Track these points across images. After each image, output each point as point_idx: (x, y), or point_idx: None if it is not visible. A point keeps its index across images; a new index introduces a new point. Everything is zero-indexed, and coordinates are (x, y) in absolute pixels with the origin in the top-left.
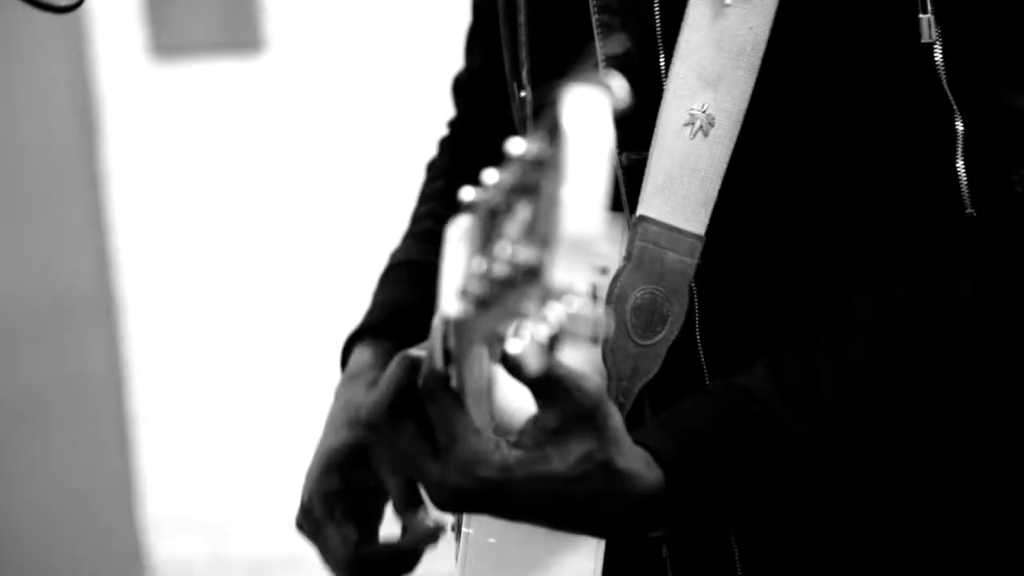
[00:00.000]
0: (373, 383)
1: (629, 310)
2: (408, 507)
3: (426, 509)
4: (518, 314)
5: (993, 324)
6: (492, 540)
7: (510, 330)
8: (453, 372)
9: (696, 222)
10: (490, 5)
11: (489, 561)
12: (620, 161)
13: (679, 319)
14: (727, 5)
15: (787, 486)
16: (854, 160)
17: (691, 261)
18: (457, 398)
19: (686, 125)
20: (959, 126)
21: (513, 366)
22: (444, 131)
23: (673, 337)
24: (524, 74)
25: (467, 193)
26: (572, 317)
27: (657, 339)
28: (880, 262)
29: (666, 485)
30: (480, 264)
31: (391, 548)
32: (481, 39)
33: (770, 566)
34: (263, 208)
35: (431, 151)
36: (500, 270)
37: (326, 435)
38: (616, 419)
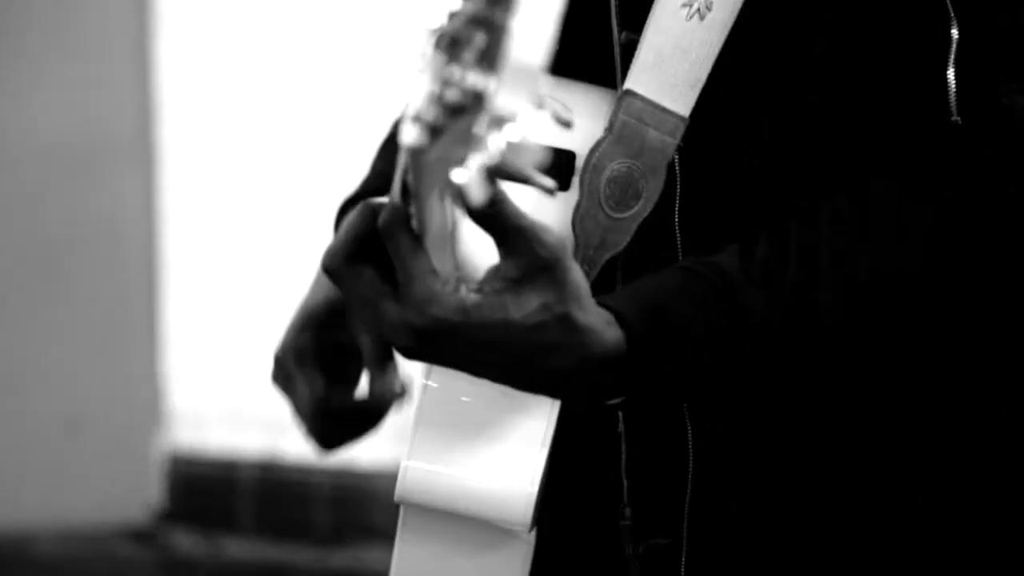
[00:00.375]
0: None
1: (604, 181)
2: (377, 366)
3: (396, 370)
4: (466, 142)
5: (957, 221)
6: (449, 395)
7: (458, 159)
8: (414, 211)
9: (682, 103)
10: None
11: (443, 413)
12: (619, 39)
13: (653, 196)
14: None
15: (746, 362)
16: (845, 57)
17: (672, 141)
18: (416, 237)
19: (684, 6)
20: (954, 33)
21: (458, 196)
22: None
23: (645, 214)
24: None
25: (432, 22)
26: (512, 146)
27: (629, 213)
28: (863, 160)
29: (626, 346)
30: (433, 89)
31: (355, 403)
32: None
33: (723, 460)
34: (305, 68)
35: None
36: (451, 95)
37: (309, 293)
38: (577, 275)
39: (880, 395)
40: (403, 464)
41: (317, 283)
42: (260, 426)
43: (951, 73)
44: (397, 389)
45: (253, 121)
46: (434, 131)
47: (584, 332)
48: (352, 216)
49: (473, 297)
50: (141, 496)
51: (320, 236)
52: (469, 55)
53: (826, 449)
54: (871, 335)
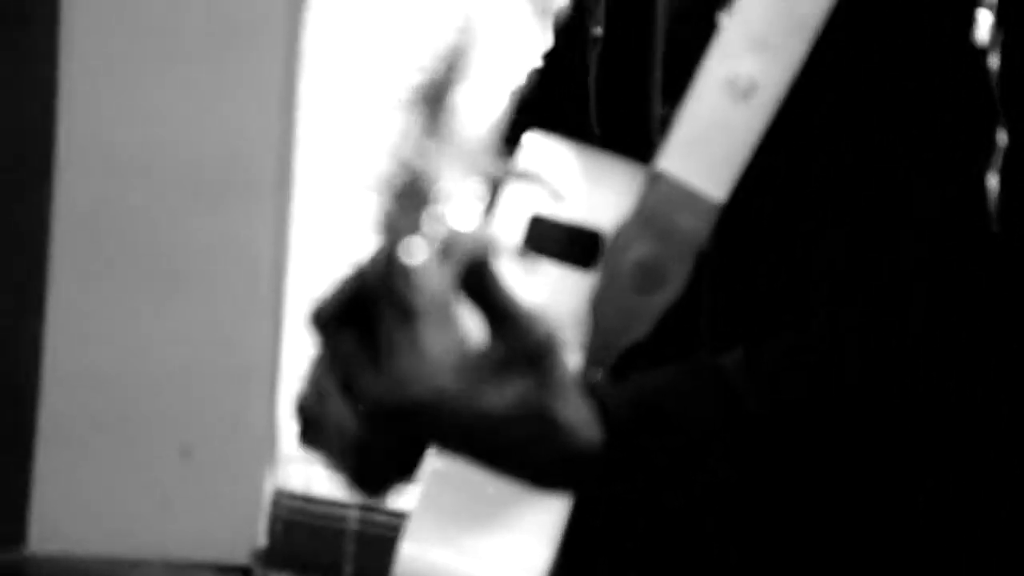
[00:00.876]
0: None
1: (626, 264)
2: None
3: None
4: (412, 214)
5: (986, 333)
6: (456, 472)
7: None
8: (405, 280)
9: (715, 187)
10: None
11: (448, 492)
12: (659, 112)
13: (680, 283)
14: None
15: (736, 460)
16: (887, 152)
17: (703, 226)
18: (404, 307)
19: (725, 86)
20: (1002, 138)
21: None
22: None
23: (670, 300)
24: (599, 10)
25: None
26: (451, 229)
27: (654, 299)
28: (897, 262)
29: (604, 448)
30: (393, 152)
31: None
32: None
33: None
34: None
35: None
36: (399, 163)
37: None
38: (566, 368)
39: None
40: (401, 547)
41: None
42: None
43: (993, 178)
44: None
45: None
46: (395, 199)
47: (561, 429)
48: (345, 273)
49: (451, 380)
50: (246, 534)
51: None
52: (415, 122)
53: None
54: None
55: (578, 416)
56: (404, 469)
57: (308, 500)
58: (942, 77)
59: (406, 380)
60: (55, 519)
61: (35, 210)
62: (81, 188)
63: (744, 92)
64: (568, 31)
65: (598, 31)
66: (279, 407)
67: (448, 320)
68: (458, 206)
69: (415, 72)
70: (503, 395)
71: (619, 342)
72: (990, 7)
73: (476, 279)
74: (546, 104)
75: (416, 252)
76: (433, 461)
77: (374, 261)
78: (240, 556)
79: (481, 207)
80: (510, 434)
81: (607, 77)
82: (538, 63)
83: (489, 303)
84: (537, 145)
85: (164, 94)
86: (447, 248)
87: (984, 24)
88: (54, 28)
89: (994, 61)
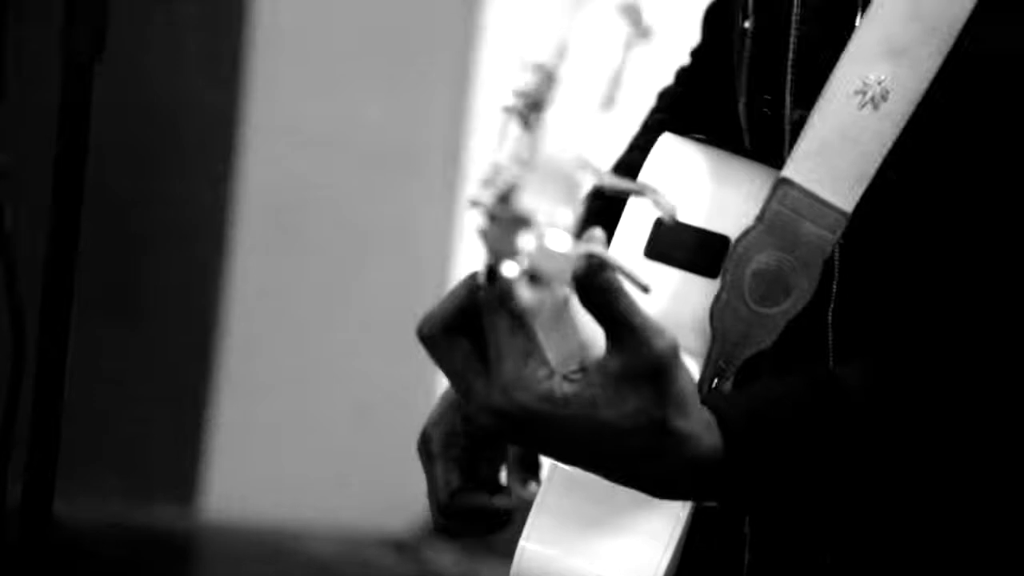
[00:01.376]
0: None
1: (749, 273)
2: (517, 470)
3: (537, 478)
4: (511, 234)
5: None
6: (576, 477)
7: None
8: (511, 290)
9: (844, 197)
10: None
11: (568, 496)
12: (790, 116)
13: (805, 294)
14: None
15: (850, 477)
16: (1008, 187)
17: (831, 236)
18: (514, 315)
19: (857, 93)
20: None
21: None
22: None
23: (795, 311)
24: (750, 4)
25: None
26: (540, 250)
27: (776, 310)
28: (1013, 292)
29: (723, 453)
30: (486, 173)
31: (484, 506)
32: None
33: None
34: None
35: None
36: (499, 182)
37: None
38: (684, 382)
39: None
40: (521, 544)
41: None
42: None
43: None
44: (527, 494)
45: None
46: (490, 217)
47: (680, 439)
48: (457, 284)
49: (565, 387)
50: (409, 506)
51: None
52: (507, 144)
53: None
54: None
55: (698, 424)
56: (486, 530)
57: None
58: None
59: (514, 386)
60: (229, 483)
61: (220, 183)
62: (264, 165)
63: (876, 100)
64: (718, 25)
65: (747, 24)
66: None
67: (565, 325)
68: (568, 219)
69: (510, 91)
70: (621, 405)
71: (741, 353)
72: None
73: (596, 290)
74: (693, 102)
75: (522, 263)
76: (553, 464)
77: (481, 273)
78: (402, 528)
79: (593, 219)
80: (630, 445)
81: (753, 74)
82: (687, 62)
83: (609, 314)
84: (669, 148)
85: (348, 79)
86: (565, 260)
87: None
88: (242, 8)
89: None
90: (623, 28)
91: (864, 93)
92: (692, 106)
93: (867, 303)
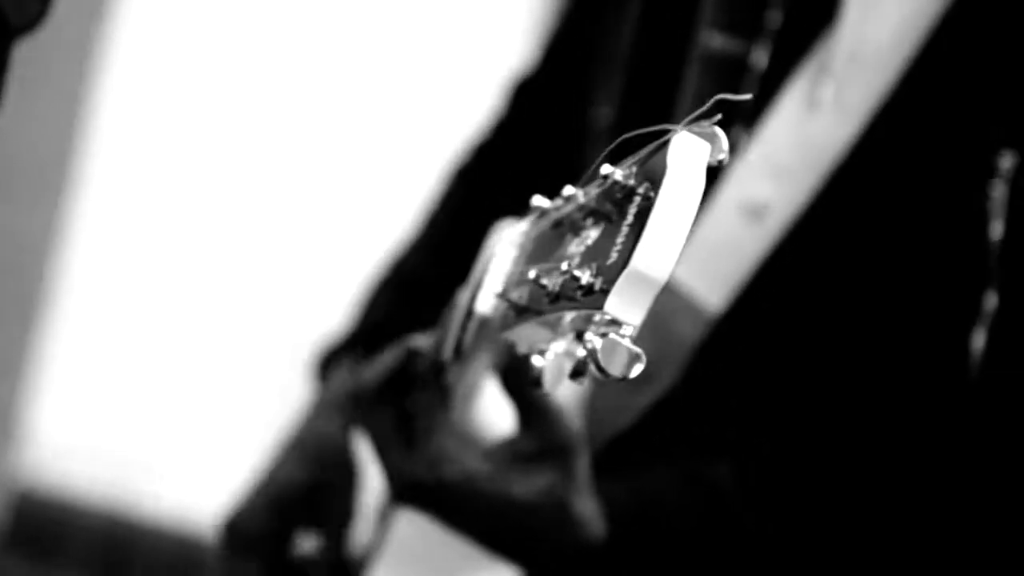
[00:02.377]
0: (347, 420)
1: None
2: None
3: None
4: (554, 329)
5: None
6: (423, 531)
7: (542, 343)
8: (454, 367)
9: (716, 299)
10: (589, 23)
11: (412, 548)
12: None
13: (666, 383)
14: (820, 109)
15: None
16: (880, 292)
17: (696, 333)
18: (446, 393)
19: (741, 206)
20: (991, 300)
21: (532, 378)
22: (485, 135)
23: (654, 399)
24: (610, 93)
25: (539, 200)
26: (609, 347)
27: (639, 396)
28: (876, 397)
29: (606, 542)
30: (530, 272)
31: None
32: (564, 50)
33: None
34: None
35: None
36: (551, 283)
37: (285, 459)
38: (585, 463)
39: None
40: None
41: (296, 459)
42: (117, 467)
43: (979, 337)
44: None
45: (180, 165)
46: (520, 309)
47: (576, 523)
48: (390, 353)
49: (481, 466)
50: None
51: (220, 285)
52: (577, 247)
53: None
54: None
55: (592, 511)
56: None
57: (52, 490)
58: (943, 235)
59: (440, 461)
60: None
61: None
62: None
63: (757, 214)
64: (544, 109)
65: (604, 118)
66: (26, 392)
67: (468, 401)
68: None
69: None
70: (530, 484)
71: (602, 433)
72: (1004, 178)
73: (512, 374)
74: (504, 185)
75: (456, 345)
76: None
77: (418, 350)
78: None
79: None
80: (532, 520)
81: None
82: (486, 135)
83: (523, 397)
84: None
85: None
86: (484, 343)
87: (993, 191)
88: None
89: (997, 228)
90: None
91: (747, 207)
92: (503, 189)
93: (721, 396)
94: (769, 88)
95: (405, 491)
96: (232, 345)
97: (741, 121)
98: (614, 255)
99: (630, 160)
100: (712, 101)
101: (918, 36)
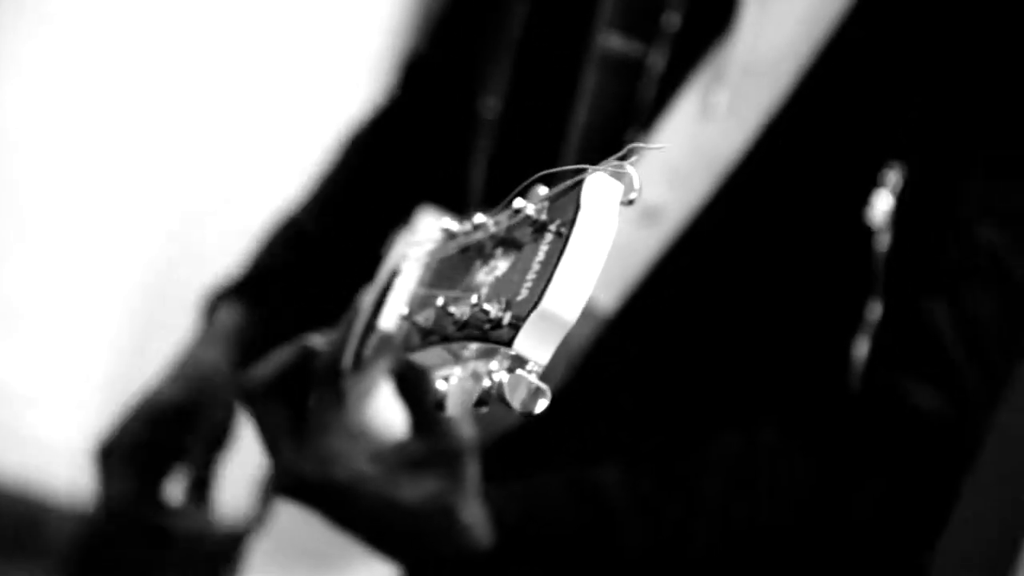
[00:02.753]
0: (228, 352)
1: None
2: (196, 494)
3: (207, 503)
4: (459, 356)
5: (832, 486)
6: (301, 522)
7: (445, 367)
8: (351, 375)
9: (609, 298)
10: (477, 9)
11: (290, 538)
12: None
13: (555, 383)
14: (714, 116)
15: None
16: (767, 298)
17: (586, 333)
18: (342, 396)
19: (634, 209)
20: (876, 311)
21: (436, 400)
22: (380, 102)
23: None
24: (497, 83)
25: (449, 223)
26: (514, 383)
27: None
28: (757, 401)
29: (492, 548)
30: (437, 297)
31: (161, 519)
32: (453, 33)
33: None
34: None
35: None
36: (459, 311)
37: (163, 382)
38: (475, 471)
39: None
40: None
41: (172, 375)
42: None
43: (861, 346)
44: (206, 527)
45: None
46: (424, 332)
47: (462, 528)
48: (285, 350)
49: (371, 468)
50: None
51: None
52: (487, 276)
53: None
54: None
55: (478, 517)
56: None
57: None
58: (829, 244)
59: (331, 459)
60: None
61: None
62: None
63: (651, 217)
64: (431, 94)
65: (489, 114)
66: None
67: (362, 402)
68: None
69: None
70: (418, 488)
71: (493, 432)
72: (892, 190)
73: (408, 380)
74: (403, 160)
75: (356, 357)
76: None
77: (314, 349)
78: None
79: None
80: (418, 525)
81: (500, 168)
82: (379, 109)
83: (417, 402)
84: (432, 223)
85: None
86: (382, 347)
87: (880, 203)
88: None
89: (884, 238)
90: None
91: (640, 211)
92: (393, 164)
93: (609, 395)
94: (665, 92)
95: (291, 487)
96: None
97: (637, 123)
98: (524, 291)
99: (543, 195)
100: (626, 149)
101: (810, 48)
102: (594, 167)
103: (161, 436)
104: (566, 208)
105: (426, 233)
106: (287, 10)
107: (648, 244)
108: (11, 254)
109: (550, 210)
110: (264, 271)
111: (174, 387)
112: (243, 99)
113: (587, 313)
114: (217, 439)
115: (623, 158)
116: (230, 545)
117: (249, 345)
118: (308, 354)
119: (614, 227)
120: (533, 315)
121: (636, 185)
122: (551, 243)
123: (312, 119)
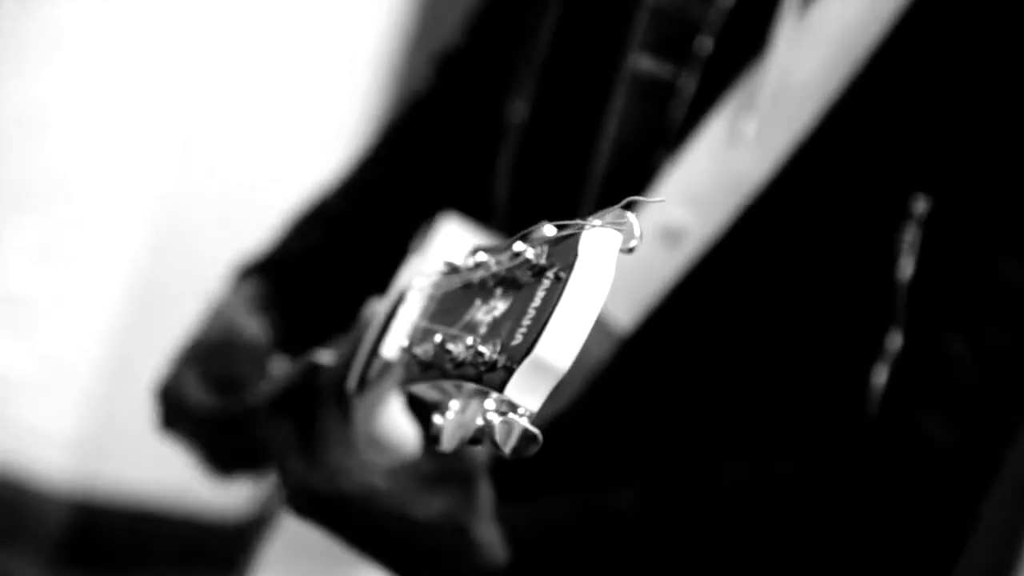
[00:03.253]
0: (251, 314)
1: None
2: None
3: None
4: (456, 391)
5: (840, 513)
6: (305, 535)
7: (443, 400)
8: (357, 396)
9: (627, 319)
10: (512, 8)
11: (293, 550)
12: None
13: (568, 398)
14: (742, 142)
15: None
16: (786, 324)
17: (604, 351)
18: (346, 411)
19: (658, 230)
20: (896, 341)
21: (431, 435)
22: (418, 96)
23: (555, 413)
24: (526, 90)
25: (453, 256)
26: (505, 428)
27: (540, 411)
28: (773, 426)
29: (506, 569)
30: (436, 333)
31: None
32: (486, 29)
33: None
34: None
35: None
36: (456, 350)
37: (200, 329)
38: (487, 490)
39: None
40: None
41: (211, 321)
42: None
43: (880, 375)
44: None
45: None
46: (423, 365)
47: (475, 547)
48: (292, 368)
49: (382, 483)
50: None
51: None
52: (485, 314)
53: None
54: None
55: (492, 536)
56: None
57: None
58: (852, 272)
59: (339, 473)
60: None
61: None
62: None
63: (674, 238)
64: (462, 91)
65: (517, 120)
66: None
67: (372, 418)
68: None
69: None
70: (430, 506)
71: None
72: (917, 221)
73: (418, 397)
74: (434, 152)
75: (361, 379)
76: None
77: (321, 366)
78: None
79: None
80: (432, 542)
81: (524, 178)
82: (415, 100)
83: (428, 419)
84: (454, 234)
85: None
86: (385, 373)
87: (905, 234)
88: None
89: (907, 267)
90: None
91: (664, 231)
92: (425, 154)
93: (628, 414)
94: (694, 115)
95: (303, 501)
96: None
97: (664, 145)
98: (519, 336)
99: (545, 237)
100: (624, 202)
101: (840, 78)
102: (595, 216)
103: (215, 368)
104: (566, 254)
105: (441, 250)
106: (286, 10)
107: (669, 266)
108: (4, 243)
109: (550, 254)
110: (291, 252)
111: (211, 328)
112: (240, 92)
113: (605, 331)
114: (249, 375)
115: (627, 207)
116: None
117: (268, 323)
118: (315, 371)
119: (611, 278)
120: (526, 362)
121: (636, 234)
122: (549, 288)
123: (308, 116)
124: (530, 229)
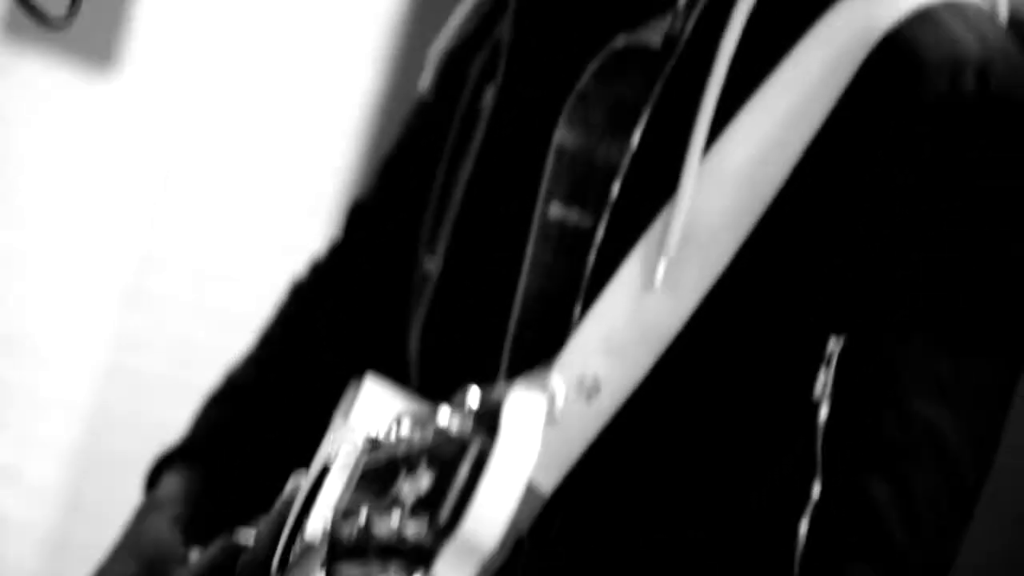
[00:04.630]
0: (175, 519)
1: None
2: None
3: None
4: (382, 570)
5: None
6: None
7: None
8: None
9: (546, 480)
10: (423, 158)
11: None
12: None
13: (494, 568)
14: (656, 287)
15: None
16: (713, 477)
17: (527, 515)
18: None
19: (574, 383)
20: (816, 489)
21: None
22: (321, 253)
23: None
24: (439, 244)
25: (375, 426)
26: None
27: None
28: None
29: None
30: (362, 510)
31: None
32: (397, 179)
33: None
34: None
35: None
36: (383, 528)
37: (112, 558)
38: None
39: None
40: None
41: (120, 550)
42: None
43: (803, 526)
44: None
45: None
46: (348, 550)
47: None
48: (212, 552)
49: None
50: None
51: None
52: (410, 491)
53: None
54: None
55: None
56: None
57: None
58: (774, 421)
59: None
60: None
61: None
62: None
63: (589, 391)
64: (372, 245)
65: (431, 268)
66: None
67: None
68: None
69: None
70: None
71: None
72: (827, 362)
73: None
74: (341, 309)
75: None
76: None
77: (241, 546)
78: None
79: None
80: None
81: (440, 333)
82: (321, 258)
83: None
84: (374, 395)
85: None
86: (308, 555)
87: (821, 378)
88: None
89: (823, 413)
90: None
91: (580, 384)
92: (332, 314)
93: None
94: (608, 262)
95: None
96: None
97: (579, 294)
98: (444, 513)
99: (466, 408)
100: (543, 364)
101: (749, 218)
102: (519, 379)
103: None
104: (490, 425)
105: (363, 414)
106: (285, 9)
107: (587, 420)
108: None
109: (475, 424)
110: (203, 430)
111: (123, 563)
112: (238, 95)
113: (529, 493)
114: None
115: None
116: None
117: (196, 503)
118: (236, 552)
119: (536, 448)
120: (452, 542)
121: (560, 402)
122: (473, 463)
123: (306, 116)
124: (453, 397)
